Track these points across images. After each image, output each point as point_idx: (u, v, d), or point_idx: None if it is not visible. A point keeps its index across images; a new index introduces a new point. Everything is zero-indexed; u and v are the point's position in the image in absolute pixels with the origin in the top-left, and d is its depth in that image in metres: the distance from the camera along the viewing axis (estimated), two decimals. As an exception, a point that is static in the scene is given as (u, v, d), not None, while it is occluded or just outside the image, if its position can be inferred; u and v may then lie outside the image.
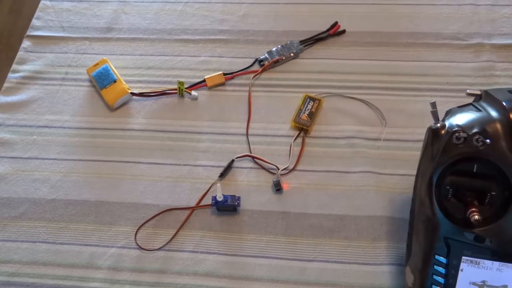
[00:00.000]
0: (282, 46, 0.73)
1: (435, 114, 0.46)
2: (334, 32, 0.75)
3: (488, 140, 0.42)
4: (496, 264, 0.44)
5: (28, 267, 0.57)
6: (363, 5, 0.79)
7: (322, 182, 0.62)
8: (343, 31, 0.75)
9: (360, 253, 0.57)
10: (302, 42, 0.74)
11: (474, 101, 0.51)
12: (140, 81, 0.72)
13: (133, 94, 0.69)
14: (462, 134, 0.44)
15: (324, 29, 0.75)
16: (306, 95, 0.68)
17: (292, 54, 0.73)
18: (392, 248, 0.57)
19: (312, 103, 0.67)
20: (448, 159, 0.44)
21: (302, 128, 0.66)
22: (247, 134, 0.66)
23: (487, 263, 0.44)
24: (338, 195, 0.61)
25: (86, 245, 0.59)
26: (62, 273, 0.57)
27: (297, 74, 0.71)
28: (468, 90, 0.51)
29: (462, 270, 0.45)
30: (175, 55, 0.74)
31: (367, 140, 0.65)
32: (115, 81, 0.69)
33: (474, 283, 0.45)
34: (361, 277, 0.55)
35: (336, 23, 0.76)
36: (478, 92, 0.51)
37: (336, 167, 0.63)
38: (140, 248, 0.58)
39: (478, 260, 0.44)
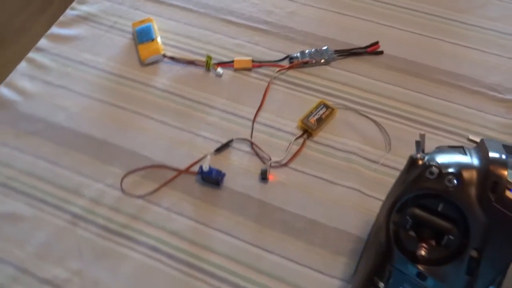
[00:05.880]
0: (316, 50, 0.75)
1: (419, 144, 0.46)
2: (371, 50, 0.76)
3: (455, 181, 0.42)
4: (432, 305, 0.43)
5: (24, 176, 0.63)
6: (410, 33, 0.78)
7: (308, 185, 0.63)
8: (381, 52, 0.76)
9: (318, 260, 0.57)
10: (337, 51, 0.75)
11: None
12: (175, 46, 0.76)
13: (165, 56, 0.74)
14: (435, 170, 0.43)
15: (363, 45, 0.76)
16: (321, 101, 0.69)
17: (323, 60, 0.74)
18: (350, 266, 0.57)
19: (325, 110, 0.68)
20: (415, 190, 0.44)
21: (307, 130, 0.67)
22: (253, 120, 0.69)
23: (423, 302, 0.44)
24: (318, 201, 0.62)
25: (79, 173, 0.64)
26: (51, 190, 0.62)
27: (321, 80, 0.73)
28: (470, 136, 0.51)
29: (397, 301, 0.45)
30: (215, 32, 0.78)
31: (365, 159, 0.65)
32: (152, 40, 0.74)
33: (406, 318, 0.45)
34: (310, 283, 0.56)
35: (377, 42, 0.76)
36: (478, 140, 0.50)
37: (326, 175, 0.64)
38: (123, 191, 0.62)
39: (415, 296, 0.44)
